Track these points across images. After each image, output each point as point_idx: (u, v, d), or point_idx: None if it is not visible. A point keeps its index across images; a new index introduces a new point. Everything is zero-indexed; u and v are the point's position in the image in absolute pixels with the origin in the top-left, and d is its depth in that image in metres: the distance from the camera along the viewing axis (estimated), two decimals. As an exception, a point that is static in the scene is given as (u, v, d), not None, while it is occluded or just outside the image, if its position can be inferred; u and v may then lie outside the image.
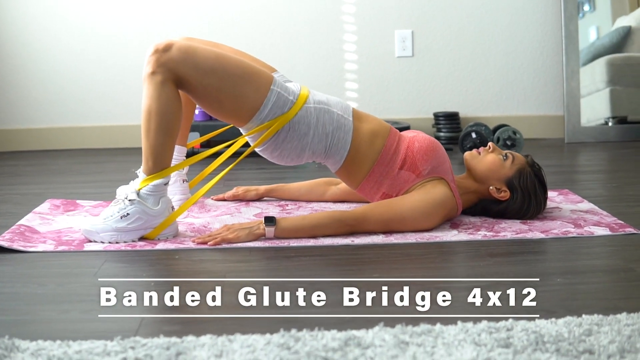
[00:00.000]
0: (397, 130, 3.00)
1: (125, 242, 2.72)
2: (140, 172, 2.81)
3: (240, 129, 2.93)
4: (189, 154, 3.68)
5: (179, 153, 3.12)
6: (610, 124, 5.06)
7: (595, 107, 5.07)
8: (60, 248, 2.68)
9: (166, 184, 2.78)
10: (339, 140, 2.87)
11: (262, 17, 4.99)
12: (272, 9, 5.00)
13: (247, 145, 3.08)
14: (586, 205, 3.22)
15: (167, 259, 2.58)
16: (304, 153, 2.88)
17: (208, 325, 1.98)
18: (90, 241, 2.74)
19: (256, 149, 2.90)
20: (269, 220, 2.72)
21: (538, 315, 2.00)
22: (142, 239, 2.75)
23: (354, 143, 2.89)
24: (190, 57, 2.72)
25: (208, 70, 2.73)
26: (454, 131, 4.92)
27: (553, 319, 1.96)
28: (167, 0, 4.97)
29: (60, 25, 4.97)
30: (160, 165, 2.75)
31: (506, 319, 1.97)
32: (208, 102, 2.80)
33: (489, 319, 1.97)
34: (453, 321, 1.96)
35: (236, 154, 3.16)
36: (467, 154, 3.05)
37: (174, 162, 2.99)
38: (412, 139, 2.93)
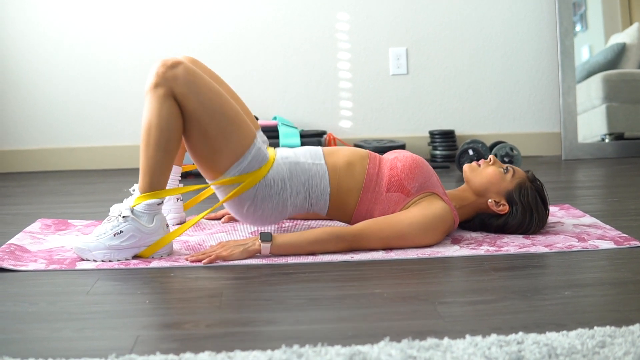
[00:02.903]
0: (377, 154, 2.95)
1: (118, 260, 2.65)
2: (136, 189, 2.75)
3: (207, 179, 2.85)
4: (185, 175, 3.62)
5: (174, 173, 3.07)
6: (607, 140, 5.01)
7: (592, 124, 5.03)
8: (52, 267, 2.61)
9: (160, 203, 2.71)
10: (317, 186, 2.83)
11: (255, 36, 4.95)
12: (265, 29, 4.95)
13: None
14: (588, 219, 3.17)
15: (161, 277, 2.51)
16: (287, 208, 2.83)
17: (206, 342, 1.91)
18: (83, 259, 2.67)
19: (226, 204, 2.84)
20: (265, 237, 2.66)
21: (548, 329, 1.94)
22: (135, 257, 2.68)
23: (332, 183, 2.84)
24: (194, 82, 2.68)
25: (207, 101, 2.69)
26: (450, 149, 4.87)
27: (564, 332, 1.91)
28: (159, 22, 4.92)
29: (50, 47, 4.91)
30: (156, 184, 2.69)
31: (516, 331, 1.91)
32: (196, 134, 2.72)
33: (499, 332, 1.91)
34: (461, 335, 1.90)
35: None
36: (466, 166, 2.99)
37: (169, 182, 2.93)
38: (394, 160, 2.88)
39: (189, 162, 3.96)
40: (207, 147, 2.74)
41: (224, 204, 2.85)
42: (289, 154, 2.88)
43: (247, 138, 2.76)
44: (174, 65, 2.67)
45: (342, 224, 3.12)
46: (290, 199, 2.81)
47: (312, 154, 2.90)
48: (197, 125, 2.70)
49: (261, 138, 2.90)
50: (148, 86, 2.68)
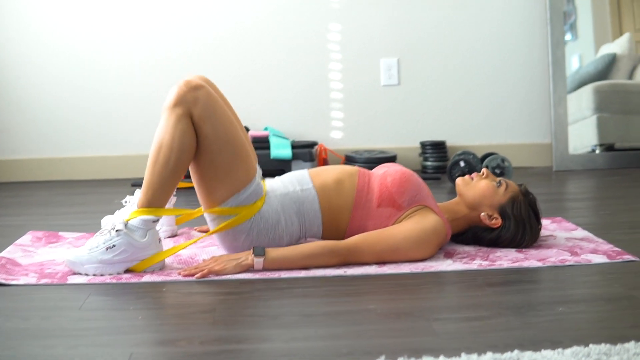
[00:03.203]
0: (366, 170, 2.94)
1: (110, 274, 2.64)
2: (131, 202, 2.74)
3: (203, 206, 2.83)
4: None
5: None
6: (597, 151, 5.02)
7: (582, 135, 5.03)
8: (43, 281, 2.59)
9: (155, 221, 2.70)
10: (308, 212, 2.83)
11: (247, 46, 4.94)
12: (257, 39, 4.94)
13: None
14: (581, 232, 3.17)
15: (154, 292, 2.50)
16: (283, 240, 2.81)
17: (200, 360, 1.90)
18: (74, 273, 2.66)
19: (217, 235, 2.81)
20: (258, 251, 2.64)
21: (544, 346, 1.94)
22: (127, 271, 2.67)
23: (323, 204, 2.84)
24: (213, 108, 2.68)
25: (220, 130, 2.68)
26: (441, 160, 4.87)
27: (560, 349, 1.90)
28: (152, 33, 4.91)
29: (40, 57, 4.89)
30: (156, 202, 2.68)
31: (511, 349, 1.91)
32: (203, 159, 2.71)
33: (494, 350, 1.90)
34: (457, 353, 1.89)
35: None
36: (459, 179, 2.99)
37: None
38: (384, 174, 2.87)
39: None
40: (210, 174, 2.73)
41: (215, 236, 2.84)
42: (277, 185, 2.87)
43: (249, 172, 2.76)
44: (197, 87, 2.66)
45: (336, 236, 3.12)
46: (285, 231, 2.80)
47: (299, 180, 2.89)
48: (206, 151, 2.69)
49: (259, 172, 2.89)
50: (167, 104, 2.67)
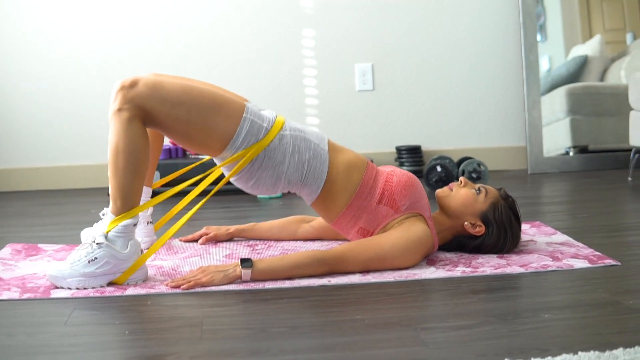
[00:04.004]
0: (374, 165, 2.95)
1: (93, 287, 2.62)
2: (107, 213, 2.72)
3: (215, 159, 2.86)
4: (153, 195, 3.59)
5: (145, 194, 3.05)
6: (571, 153, 5.06)
7: (556, 137, 5.07)
8: (26, 295, 2.57)
9: (135, 224, 2.69)
10: (315, 169, 2.82)
11: (220, 52, 4.93)
12: (230, 45, 4.94)
13: (214, 183, 3.01)
14: (560, 237, 3.18)
15: (138, 305, 2.48)
16: (280, 182, 2.81)
17: (191, 375, 1.89)
18: (57, 287, 2.64)
19: (232, 179, 2.83)
20: (246, 263, 2.63)
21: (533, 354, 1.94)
22: (110, 284, 2.65)
23: (330, 173, 2.84)
24: (157, 91, 2.65)
25: (176, 102, 2.67)
26: (417, 164, 4.88)
27: (549, 357, 1.91)
28: (123, 40, 4.89)
29: (12, 68, 4.86)
30: (129, 205, 2.67)
31: (501, 357, 1.91)
32: (179, 135, 2.73)
33: (483, 359, 1.90)
34: (447, 363, 1.89)
35: (202, 194, 3.09)
36: (439, 191, 2.99)
37: (141, 203, 2.90)
38: (390, 173, 2.88)
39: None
40: (196, 142, 2.75)
41: (223, 168, 2.85)
42: (299, 127, 2.88)
43: (232, 117, 2.73)
44: (133, 84, 2.65)
45: (318, 244, 3.12)
46: (285, 175, 2.80)
47: (319, 137, 2.90)
48: (177, 129, 2.70)
49: (253, 108, 2.82)
50: (112, 110, 2.66)
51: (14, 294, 2.59)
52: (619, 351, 1.93)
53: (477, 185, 2.96)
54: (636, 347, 1.95)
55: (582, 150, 5.07)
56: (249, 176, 2.79)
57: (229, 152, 2.75)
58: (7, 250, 3.15)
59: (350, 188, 2.85)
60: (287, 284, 2.63)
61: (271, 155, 2.77)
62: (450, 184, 2.99)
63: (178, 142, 2.77)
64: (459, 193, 2.94)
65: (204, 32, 4.92)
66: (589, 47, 5.11)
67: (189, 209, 2.92)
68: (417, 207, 2.86)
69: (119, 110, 2.64)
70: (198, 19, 4.91)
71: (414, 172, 4.84)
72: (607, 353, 1.92)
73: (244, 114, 2.75)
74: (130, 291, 2.60)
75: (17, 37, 4.85)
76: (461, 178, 2.99)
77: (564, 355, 1.92)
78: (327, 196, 2.85)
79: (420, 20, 5.02)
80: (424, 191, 2.92)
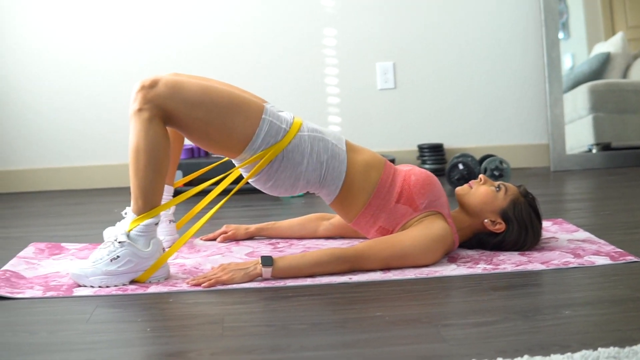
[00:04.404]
0: (392, 163, 2.95)
1: (115, 285, 2.64)
2: (129, 212, 2.74)
3: (233, 160, 2.87)
4: (175, 194, 3.61)
5: (166, 192, 3.06)
6: (594, 150, 5.04)
7: (579, 135, 5.05)
8: (49, 294, 2.59)
9: (157, 223, 2.71)
10: (334, 169, 2.82)
11: (241, 52, 4.95)
12: (252, 45, 4.95)
13: (235, 182, 3.02)
14: (582, 234, 3.18)
15: (160, 303, 2.50)
16: (298, 182, 2.82)
17: (212, 372, 1.90)
18: (80, 285, 2.66)
19: (250, 180, 2.84)
20: (266, 261, 2.64)
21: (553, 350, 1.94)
22: (132, 282, 2.67)
23: (348, 173, 2.84)
24: (177, 92, 2.67)
25: (196, 103, 2.68)
26: (439, 163, 4.88)
27: (569, 354, 1.90)
28: (145, 40, 4.91)
29: (37, 67, 4.89)
30: (150, 204, 2.68)
31: (521, 354, 1.91)
32: (198, 136, 2.74)
33: (504, 356, 1.91)
34: (467, 359, 1.89)
35: (223, 192, 3.10)
36: (458, 189, 2.99)
37: (162, 202, 2.91)
38: (409, 172, 2.88)
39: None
40: (215, 143, 2.76)
41: (241, 170, 2.87)
42: (317, 127, 2.89)
43: (252, 119, 2.74)
44: (153, 84, 2.66)
45: (339, 243, 3.12)
46: (304, 174, 2.80)
47: (336, 137, 2.91)
48: (196, 129, 2.71)
49: (273, 109, 2.84)
50: (132, 110, 2.67)
51: (37, 292, 2.61)
52: (639, 347, 1.92)
53: (497, 183, 2.95)
54: (657, 343, 1.94)
55: (604, 147, 5.05)
56: (267, 177, 2.80)
57: (248, 154, 2.76)
58: (31, 249, 3.17)
59: (368, 187, 2.85)
60: (308, 281, 2.63)
61: (290, 156, 2.77)
62: (470, 182, 2.99)
63: (197, 142, 2.78)
64: (478, 190, 2.94)
65: (225, 31, 4.94)
66: (612, 44, 5.09)
67: (211, 208, 2.93)
68: (436, 206, 2.86)
69: (139, 110, 2.65)
70: (219, 19, 4.92)
71: (435, 170, 4.84)
72: (627, 349, 1.91)
73: (262, 115, 2.76)
74: (152, 289, 2.61)
75: (44, 42, 4.88)
76: (481, 175, 2.98)
77: (584, 352, 1.91)
78: (346, 196, 2.86)
79: (441, 18, 5.01)
80: (442, 189, 2.92)
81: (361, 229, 2.92)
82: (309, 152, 2.80)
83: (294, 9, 4.94)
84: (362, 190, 2.85)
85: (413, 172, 2.89)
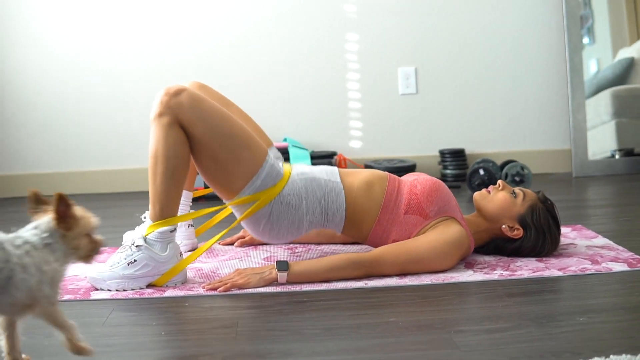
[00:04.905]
0: (396, 176, 2.96)
1: (132, 289, 2.66)
2: (147, 216, 2.76)
3: (224, 199, 2.87)
4: (196, 199, 3.63)
5: (185, 198, 3.08)
6: (616, 156, 5.01)
7: (601, 140, 5.02)
8: (66, 297, 2.61)
9: (173, 230, 2.72)
10: (333, 202, 2.84)
11: (264, 58, 4.96)
12: (274, 50, 4.96)
13: None
14: (601, 240, 3.16)
15: (176, 307, 2.51)
16: (302, 224, 2.83)
17: (223, 376, 1.91)
18: (97, 289, 2.68)
19: (244, 222, 2.84)
20: (281, 266, 2.65)
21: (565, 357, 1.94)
22: (149, 285, 2.69)
23: (348, 201, 2.85)
24: (200, 108, 2.69)
25: (214, 125, 2.70)
26: (460, 168, 4.87)
27: (581, 360, 1.90)
28: (168, 47, 4.94)
29: (58, 71, 4.93)
30: (167, 212, 2.70)
31: (533, 362, 1.91)
32: (205, 158, 2.74)
33: (516, 363, 1.91)
34: (478, 366, 1.90)
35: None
36: (476, 194, 2.99)
37: (180, 207, 2.93)
38: (414, 182, 2.88)
39: (200, 184, 3.97)
40: (218, 170, 2.75)
41: (242, 223, 2.86)
42: (305, 170, 2.90)
43: (258, 157, 2.77)
44: (178, 92, 2.68)
45: (357, 248, 3.12)
46: (306, 215, 2.81)
47: (327, 172, 2.91)
48: (206, 149, 2.71)
49: (274, 154, 2.90)
50: (153, 115, 2.69)
51: (55, 295, 2.63)
52: (652, 355, 1.92)
53: (515, 189, 2.95)
54: (670, 351, 1.93)
55: (627, 153, 5.02)
56: (270, 227, 2.81)
57: (246, 192, 2.77)
58: (51, 252, 3.19)
59: (374, 206, 2.85)
60: (324, 286, 2.64)
61: (287, 200, 2.79)
62: (489, 187, 2.99)
63: (201, 164, 2.77)
64: (496, 196, 2.93)
65: (246, 36, 4.95)
66: (636, 50, 5.07)
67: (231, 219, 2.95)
68: (446, 211, 2.86)
69: (160, 115, 2.67)
70: (241, 23, 4.94)
71: (457, 175, 4.83)
72: (639, 356, 1.91)
73: (266, 157, 2.79)
74: (169, 293, 2.63)
75: (70, 49, 4.93)
76: (499, 181, 2.98)
77: (596, 359, 1.91)
78: (354, 221, 2.87)
79: (464, 24, 5.00)
80: (450, 194, 2.92)
81: (375, 245, 2.91)
82: (305, 193, 2.82)
83: (316, 13, 4.95)
84: (369, 210, 2.86)
85: (418, 181, 2.89)
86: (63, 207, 1.88)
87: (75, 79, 4.94)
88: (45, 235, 1.88)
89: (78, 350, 1.89)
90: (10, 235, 1.87)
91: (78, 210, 1.93)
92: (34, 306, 1.84)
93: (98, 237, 1.98)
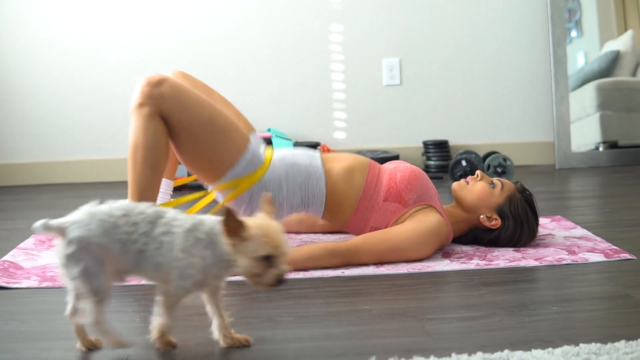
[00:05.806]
0: (377, 163, 2.97)
1: (110, 277, 2.65)
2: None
3: (208, 184, 2.89)
4: (177, 188, 3.63)
5: (166, 187, 3.07)
6: (600, 149, 5.03)
7: (585, 133, 5.04)
8: (45, 284, 2.62)
9: (151, 220, 2.72)
10: (313, 188, 2.85)
11: (249, 48, 4.96)
12: (259, 41, 4.97)
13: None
14: (579, 231, 3.18)
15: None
16: (283, 208, 2.84)
17: (195, 362, 1.92)
18: (75, 277, 2.67)
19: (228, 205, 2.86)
20: (259, 253, 2.66)
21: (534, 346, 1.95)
22: (128, 273, 2.69)
23: (329, 187, 2.86)
24: (180, 97, 2.68)
25: (195, 113, 2.70)
26: (443, 159, 4.88)
27: (550, 349, 1.91)
28: (150, 37, 4.94)
29: (43, 61, 4.93)
30: (145, 200, 2.70)
31: (502, 349, 1.92)
32: (187, 147, 2.75)
33: (484, 350, 1.92)
34: (447, 353, 1.90)
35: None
36: (455, 184, 3.00)
37: (160, 196, 2.94)
38: (394, 170, 2.89)
39: (183, 174, 3.98)
40: (200, 157, 2.76)
41: None
42: (287, 154, 2.90)
43: (239, 144, 2.78)
44: (159, 83, 2.68)
45: (336, 237, 3.13)
46: (286, 200, 2.82)
47: (309, 156, 2.92)
48: (187, 137, 2.72)
49: (255, 140, 2.90)
50: (133, 105, 2.69)
51: (33, 282, 2.64)
52: (620, 343, 1.93)
53: (493, 179, 2.96)
54: (639, 340, 1.94)
55: (611, 145, 5.05)
56: (250, 212, 2.81)
57: (228, 178, 2.78)
58: (31, 240, 3.20)
59: (354, 192, 2.87)
60: (301, 274, 2.65)
61: (268, 185, 2.80)
62: (467, 178, 3.00)
63: (182, 152, 2.77)
64: (475, 186, 2.95)
65: (230, 27, 4.95)
66: (622, 43, 5.08)
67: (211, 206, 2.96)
68: (425, 199, 2.87)
69: (141, 105, 2.67)
70: (224, 14, 4.94)
71: (440, 166, 4.85)
72: (609, 345, 1.92)
73: (248, 144, 2.80)
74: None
75: (55, 29, 4.92)
76: (478, 171, 2.99)
77: (565, 347, 1.92)
78: (333, 207, 2.88)
79: (448, 15, 5.01)
80: (430, 182, 2.93)
81: (354, 231, 2.92)
82: (285, 178, 2.83)
83: (300, 4, 4.95)
84: (348, 196, 2.86)
85: (398, 169, 2.90)
86: (233, 223, 1.85)
87: (57, 69, 4.94)
88: (212, 233, 1.91)
89: (163, 344, 1.99)
90: (195, 218, 1.93)
91: (255, 228, 1.89)
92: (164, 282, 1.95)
93: (283, 266, 1.92)
